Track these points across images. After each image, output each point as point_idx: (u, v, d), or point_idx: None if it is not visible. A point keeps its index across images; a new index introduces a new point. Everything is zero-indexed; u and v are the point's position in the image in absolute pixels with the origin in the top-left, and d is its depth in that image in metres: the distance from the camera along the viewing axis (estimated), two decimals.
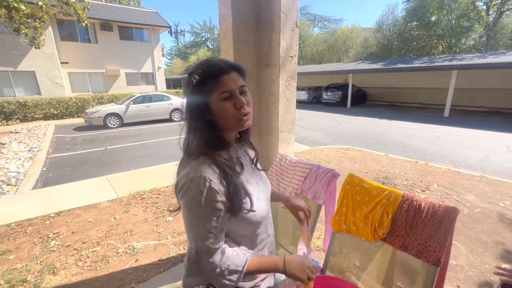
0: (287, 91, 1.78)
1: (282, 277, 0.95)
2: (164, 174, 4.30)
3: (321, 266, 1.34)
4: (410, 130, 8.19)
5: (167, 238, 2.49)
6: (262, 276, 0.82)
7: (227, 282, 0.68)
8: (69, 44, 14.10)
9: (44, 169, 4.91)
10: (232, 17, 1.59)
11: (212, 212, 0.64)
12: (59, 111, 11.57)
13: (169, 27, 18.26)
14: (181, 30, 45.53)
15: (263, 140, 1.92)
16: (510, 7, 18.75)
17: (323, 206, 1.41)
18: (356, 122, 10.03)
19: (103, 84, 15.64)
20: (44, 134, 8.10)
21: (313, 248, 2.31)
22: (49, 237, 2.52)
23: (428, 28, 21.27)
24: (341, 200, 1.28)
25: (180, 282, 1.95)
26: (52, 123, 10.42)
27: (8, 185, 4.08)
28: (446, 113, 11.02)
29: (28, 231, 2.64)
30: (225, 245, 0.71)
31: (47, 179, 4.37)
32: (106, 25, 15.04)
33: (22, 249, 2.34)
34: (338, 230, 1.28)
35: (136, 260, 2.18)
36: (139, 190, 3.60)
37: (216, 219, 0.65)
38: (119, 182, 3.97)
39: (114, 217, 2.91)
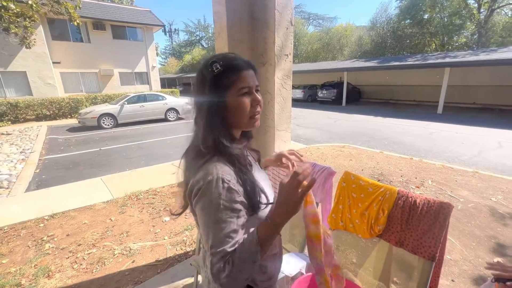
0: (282, 90, 1.78)
1: (281, 275, 0.95)
2: (160, 174, 4.27)
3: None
4: (404, 127, 8.28)
5: (164, 239, 2.48)
6: (275, 277, 0.81)
7: (247, 276, 0.60)
8: (61, 44, 13.87)
9: (37, 171, 4.83)
10: (226, 15, 1.58)
11: (232, 213, 0.61)
12: (51, 112, 11.38)
13: (163, 25, 18.09)
14: (175, 29, 45.16)
15: (259, 139, 1.92)
16: (500, 4, 19.06)
17: (320, 204, 1.41)
18: (351, 120, 10.10)
19: (96, 84, 15.43)
20: (37, 136, 7.96)
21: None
22: (43, 240, 2.48)
23: (421, 26, 21.48)
24: (337, 197, 1.29)
25: (178, 282, 1.94)
26: (45, 124, 10.25)
27: (0, 188, 4.01)
28: (440, 110, 11.16)
29: (21, 234, 2.59)
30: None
31: (40, 181, 4.30)
32: (98, 24, 14.82)
33: (15, 253, 2.30)
34: (335, 227, 1.29)
35: (133, 262, 2.16)
36: (135, 190, 3.57)
37: (236, 221, 0.61)
38: (114, 183, 3.93)
39: (110, 219, 2.88)
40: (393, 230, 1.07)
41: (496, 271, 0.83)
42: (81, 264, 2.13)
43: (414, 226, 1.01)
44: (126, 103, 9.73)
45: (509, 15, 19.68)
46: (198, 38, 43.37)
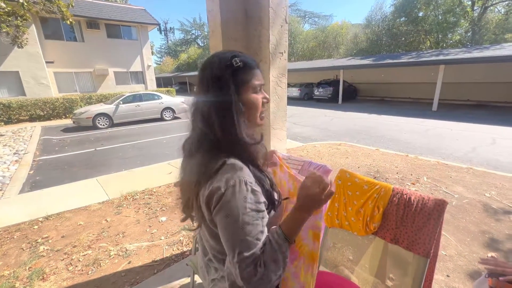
0: (277, 88, 1.78)
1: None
2: (156, 174, 4.25)
3: None
4: (400, 125, 8.34)
5: (161, 239, 2.47)
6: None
7: (278, 272, 0.59)
8: (54, 43, 13.67)
9: (31, 172, 4.77)
10: (220, 13, 1.56)
11: (258, 215, 0.60)
12: (45, 112, 11.23)
13: (158, 24, 17.93)
14: (170, 28, 44.85)
15: None
16: (494, 2, 19.25)
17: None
18: (347, 117, 10.14)
19: (91, 83, 15.26)
20: (31, 136, 7.85)
21: None
22: (37, 242, 2.45)
23: (416, 24, 21.63)
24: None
25: (174, 283, 1.93)
26: (39, 125, 10.11)
27: None
28: (435, 107, 11.27)
29: (15, 237, 2.56)
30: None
31: (34, 183, 4.24)
32: (92, 23, 14.64)
33: (9, 255, 2.27)
34: (331, 225, 1.29)
35: (129, 262, 2.15)
36: (131, 191, 3.55)
37: (262, 222, 0.60)
38: (110, 184, 3.89)
39: (106, 219, 2.86)
40: (388, 227, 1.08)
41: (490, 266, 0.84)
42: (76, 266, 2.11)
43: (409, 223, 1.01)
44: (121, 102, 9.64)
45: (502, 13, 19.88)
46: (193, 36, 43.12)
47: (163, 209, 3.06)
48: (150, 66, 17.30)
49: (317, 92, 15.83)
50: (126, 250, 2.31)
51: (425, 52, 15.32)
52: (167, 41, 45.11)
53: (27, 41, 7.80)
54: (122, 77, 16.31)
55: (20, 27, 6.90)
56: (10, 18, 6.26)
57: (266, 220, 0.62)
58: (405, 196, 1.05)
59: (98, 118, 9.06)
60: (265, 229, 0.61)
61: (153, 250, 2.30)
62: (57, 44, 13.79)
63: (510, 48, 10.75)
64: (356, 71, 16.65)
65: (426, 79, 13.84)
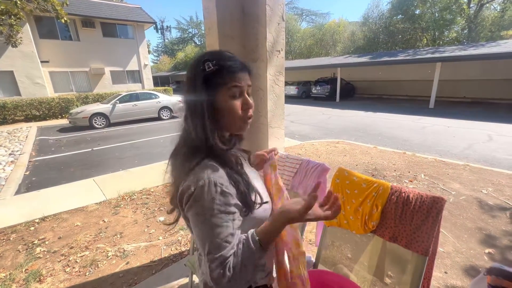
0: (275, 86, 1.76)
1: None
2: (154, 174, 4.22)
3: (313, 261, 1.35)
4: (397, 122, 8.37)
5: (159, 239, 2.45)
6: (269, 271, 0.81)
7: (249, 277, 0.60)
8: (49, 42, 13.52)
9: (27, 173, 4.72)
10: (216, 10, 1.54)
11: (227, 217, 0.59)
12: (41, 112, 11.12)
13: (154, 23, 17.82)
14: (167, 26, 44.61)
15: (252, 136, 1.90)
16: None
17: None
18: (345, 115, 10.15)
19: (87, 83, 15.14)
20: (26, 137, 7.78)
21: (305, 239, 2.33)
22: (34, 244, 2.43)
23: (412, 21, 21.66)
24: None
25: (173, 283, 1.92)
26: (34, 125, 10.01)
27: None
28: (431, 104, 11.32)
29: (11, 239, 2.53)
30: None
31: (30, 184, 4.20)
32: (87, 22, 14.49)
33: (5, 258, 2.24)
34: (329, 224, 1.28)
35: (127, 263, 2.13)
36: (128, 191, 3.52)
37: (232, 225, 0.60)
38: (107, 184, 3.87)
39: (103, 220, 2.84)
40: (387, 226, 1.07)
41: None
42: (73, 267, 2.09)
43: (408, 221, 1.01)
44: (118, 102, 9.57)
45: (498, 10, 19.98)
46: (190, 35, 42.87)
47: (161, 209, 3.04)
48: (146, 65, 17.18)
49: (315, 90, 15.83)
50: (124, 250, 2.29)
51: (422, 49, 15.36)
52: (164, 39, 44.83)
53: (21, 40, 7.70)
54: (119, 76, 16.19)
55: (14, 26, 6.80)
56: (3, 17, 6.17)
57: (237, 222, 0.61)
58: (403, 194, 1.04)
59: (95, 118, 8.99)
60: (237, 232, 0.60)
61: (151, 251, 2.29)
62: (52, 43, 13.64)
63: (506, 45, 10.81)
64: (354, 69, 16.66)
65: (423, 77, 13.89)
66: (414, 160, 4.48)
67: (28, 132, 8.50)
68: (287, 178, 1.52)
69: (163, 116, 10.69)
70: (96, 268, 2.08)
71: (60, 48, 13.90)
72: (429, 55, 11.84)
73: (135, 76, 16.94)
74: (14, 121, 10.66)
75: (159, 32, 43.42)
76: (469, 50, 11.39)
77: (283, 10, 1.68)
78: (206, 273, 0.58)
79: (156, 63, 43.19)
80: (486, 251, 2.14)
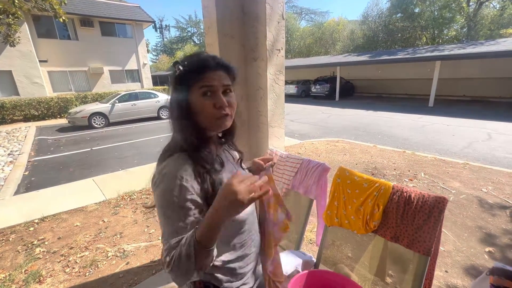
0: (275, 85, 1.75)
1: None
2: None
3: (315, 261, 1.34)
4: (397, 121, 8.37)
5: (159, 239, 2.44)
6: (247, 276, 0.81)
7: (185, 271, 0.57)
8: (48, 42, 13.45)
9: (26, 173, 4.71)
10: (216, 9, 1.53)
11: (181, 210, 0.61)
12: (40, 112, 11.08)
13: (153, 22, 17.75)
14: (166, 25, 44.43)
15: (253, 136, 1.89)
16: None
17: (314, 201, 1.40)
18: (344, 114, 10.15)
19: (86, 82, 15.08)
20: (25, 137, 7.75)
21: (305, 239, 2.32)
22: (33, 244, 2.42)
23: (412, 20, 21.64)
24: (332, 194, 1.28)
25: (172, 283, 1.91)
26: (33, 125, 9.98)
27: None
28: (431, 103, 11.32)
29: (10, 239, 2.52)
30: None
31: (29, 184, 4.19)
32: (86, 21, 14.42)
33: (4, 258, 2.23)
34: (330, 224, 1.28)
35: (127, 263, 2.13)
36: (128, 191, 3.51)
37: (185, 218, 0.61)
38: (106, 184, 3.86)
39: (103, 220, 2.83)
40: (389, 226, 1.07)
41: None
42: (73, 268, 2.09)
43: (409, 221, 1.00)
44: (117, 101, 9.54)
45: (497, 8, 19.97)
46: (189, 34, 42.70)
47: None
48: (145, 64, 17.12)
49: (314, 89, 15.80)
50: (124, 251, 2.29)
51: (421, 48, 15.34)
52: (163, 38, 44.63)
53: (19, 40, 7.65)
54: (118, 75, 16.13)
55: (12, 26, 6.76)
56: (1, 16, 6.13)
57: (191, 219, 0.61)
58: (405, 194, 1.04)
59: (94, 118, 8.96)
60: (189, 226, 0.61)
61: (151, 251, 2.28)
62: (51, 42, 13.57)
63: (505, 44, 10.80)
64: (353, 67, 16.64)
65: (423, 75, 13.88)
66: (414, 158, 4.48)
67: (27, 132, 8.47)
68: (287, 178, 1.52)
69: (163, 115, 10.66)
70: (96, 268, 2.08)
71: (59, 48, 13.83)
72: (428, 54, 11.83)
73: (134, 76, 16.88)
74: (13, 121, 10.63)
75: (158, 31, 43.21)
76: (469, 48, 11.38)
77: (283, 8, 1.67)
78: (162, 254, 0.62)
79: (155, 62, 43.03)
80: (487, 249, 2.14)
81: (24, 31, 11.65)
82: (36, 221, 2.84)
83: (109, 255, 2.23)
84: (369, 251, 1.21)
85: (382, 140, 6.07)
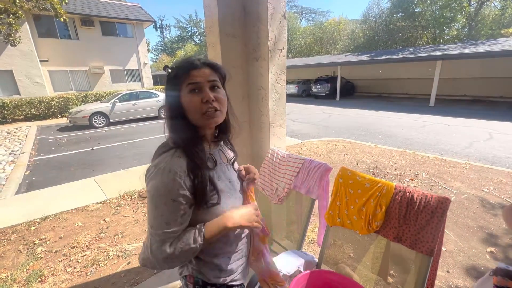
0: (277, 85, 1.75)
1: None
2: None
3: (316, 261, 1.34)
4: (397, 121, 8.36)
5: None
6: (235, 274, 0.82)
7: (184, 261, 0.70)
8: (48, 41, 13.47)
9: (28, 172, 4.71)
10: (217, 9, 1.53)
11: (172, 204, 0.64)
12: (41, 112, 11.09)
13: (154, 21, 17.73)
14: (166, 25, 44.41)
15: (254, 135, 1.89)
16: None
17: (316, 201, 1.40)
18: (345, 114, 10.14)
19: (86, 82, 15.09)
20: (26, 136, 7.76)
21: (306, 239, 2.32)
22: (35, 244, 2.42)
23: (413, 19, 21.59)
24: (334, 194, 1.28)
25: (175, 283, 1.91)
26: (34, 124, 10.00)
27: None
28: (432, 102, 11.29)
29: (12, 239, 2.53)
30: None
31: (31, 183, 4.19)
32: (86, 20, 14.43)
33: (6, 258, 2.24)
34: (332, 224, 1.28)
35: (129, 263, 2.13)
36: (129, 190, 3.52)
37: (175, 213, 0.65)
38: (107, 183, 3.86)
39: (104, 220, 2.83)
40: (391, 226, 1.07)
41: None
42: (75, 267, 2.09)
43: (412, 221, 1.00)
44: (118, 101, 9.55)
45: (499, 8, 19.90)
46: (190, 33, 42.68)
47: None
48: (146, 63, 17.13)
49: (315, 88, 15.79)
50: (125, 250, 2.29)
51: (422, 47, 15.30)
52: (163, 38, 44.60)
53: (20, 39, 7.65)
54: (118, 75, 16.14)
55: (13, 25, 6.76)
56: (2, 16, 6.13)
57: (181, 213, 0.66)
58: (407, 194, 1.03)
59: (95, 117, 8.97)
60: (180, 219, 0.66)
61: None
62: (51, 42, 13.58)
63: (506, 43, 10.77)
64: (354, 67, 16.61)
65: (423, 75, 13.85)
66: (415, 158, 4.47)
67: (27, 132, 8.49)
68: (289, 178, 1.52)
69: (163, 115, 10.57)
70: (98, 268, 2.08)
71: (59, 47, 13.85)
72: (429, 53, 11.80)
73: (135, 75, 16.89)
74: (14, 121, 10.64)
75: (159, 31, 43.18)
76: (470, 48, 11.35)
77: (284, 8, 1.67)
78: (147, 246, 0.67)
79: (155, 61, 43.02)
80: (488, 249, 2.14)
81: (25, 31, 11.66)
82: (38, 220, 2.84)
83: (110, 254, 2.24)
84: (371, 251, 1.20)
85: (383, 140, 6.07)
